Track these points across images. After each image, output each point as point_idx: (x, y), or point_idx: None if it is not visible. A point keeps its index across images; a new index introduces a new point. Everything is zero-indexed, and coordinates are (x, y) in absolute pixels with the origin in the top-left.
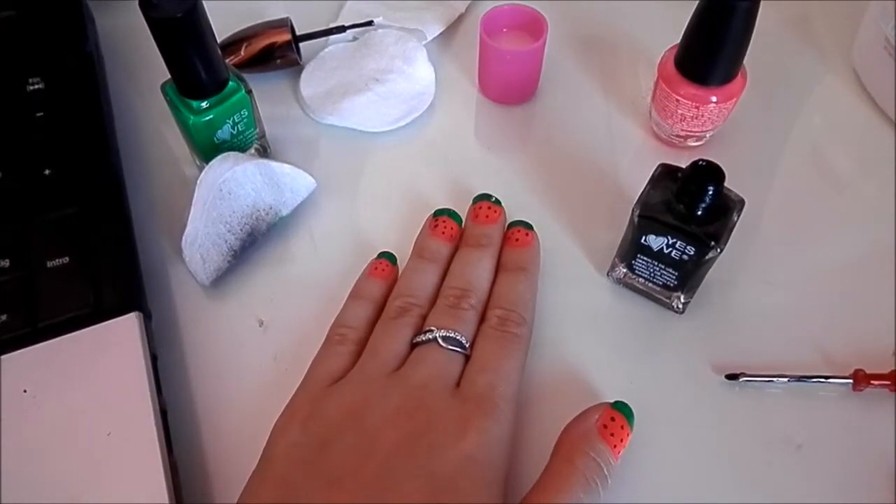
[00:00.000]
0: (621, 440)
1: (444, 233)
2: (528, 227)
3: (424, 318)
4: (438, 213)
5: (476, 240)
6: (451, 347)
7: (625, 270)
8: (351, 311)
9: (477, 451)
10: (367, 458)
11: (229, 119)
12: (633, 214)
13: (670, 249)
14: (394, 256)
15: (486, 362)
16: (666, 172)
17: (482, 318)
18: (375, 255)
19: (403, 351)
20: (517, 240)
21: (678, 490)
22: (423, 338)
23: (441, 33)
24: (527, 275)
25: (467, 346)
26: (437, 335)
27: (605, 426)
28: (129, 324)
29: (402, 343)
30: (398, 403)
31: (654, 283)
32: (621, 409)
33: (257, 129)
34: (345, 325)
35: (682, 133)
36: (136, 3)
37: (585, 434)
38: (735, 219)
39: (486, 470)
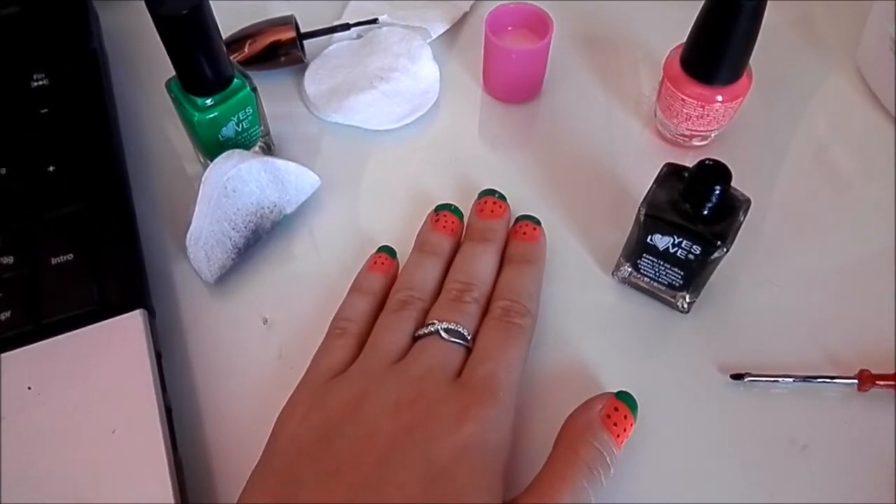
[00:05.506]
0: (624, 430)
1: (445, 227)
2: (537, 222)
3: (426, 311)
4: (440, 208)
5: (481, 234)
6: (453, 340)
7: (630, 270)
8: (350, 305)
9: (475, 439)
10: (366, 449)
11: (234, 116)
12: (638, 214)
13: (676, 249)
14: (393, 250)
15: (488, 352)
16: (672, 172)
17: (485, 312)
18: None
19: (405, 344)
20: (525, 233)
21: (683, 489)
22: (425, 331)
23: (446, 32)
24: (532, 267)
25: (469, 338)
26: (440, 328)
27: (609, 416)
28: (133, 321)
29: (403, 336)
30: (397, 394)
31: (660, 283)
32: (625, 398)
33: (262, 127)
34: (345, 319)
35: (688, 132)
36: (141, 0)
37: (589, 423)
38: (741, 218)
39: (484, 458)
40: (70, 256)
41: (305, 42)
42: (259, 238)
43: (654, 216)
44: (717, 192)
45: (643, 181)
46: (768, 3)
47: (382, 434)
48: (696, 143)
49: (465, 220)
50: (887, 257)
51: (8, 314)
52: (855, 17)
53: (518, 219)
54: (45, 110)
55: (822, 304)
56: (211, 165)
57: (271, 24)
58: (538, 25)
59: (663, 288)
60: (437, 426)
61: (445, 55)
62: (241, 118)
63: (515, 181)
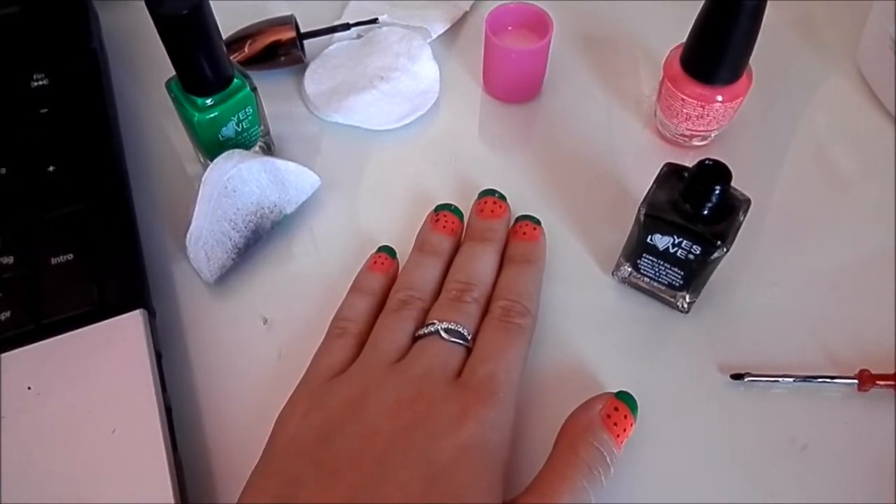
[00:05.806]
0: (624, 430)
1: (445, 227)
2: (537, 222)
3: (426, 311)
4: (440, 208)
5: (481, 234)
6: (453, 339)
7: (630, 270)
8: (350, 305)
9: (475, 439)
10: (366, 448)
11: (234, 116)
12: (639, 213)
13: (676, 249)
14: (393, 250)
15: (488, 352)
16: (672, 172)
17: (485, 312)
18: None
19: (405, 343)
20: (524, 233)
21: (683, 489)
22: (425, 331)
23: (446, 31)
24: (532, 267)
25: (469, 338)
26: (440, 327)
27: (609, 416)
28: (133, 321)
29: (403, 336)
30: (397, 394)
31: (660, 283)
32: (625, 398)
33: (262, 127)
34: (344, 319)
35: (688, 132)
36: (141, 0)
37: (589, 423)
38: (741, 218)
39: (484, 458)
40: (70, 256)
41: (305, 42)
42: (259, 238)
43: (654, 216)
44: (717, 192)
45: (643, 181)
46: (768, 3)
47: (382, 434)
48: (696, 143)
49: (465, 220)
50: (887, 257)
51: (8, 314)
52: (855, 17)
53: (518, 219)
54: (45, 110)
55: (822, 304)
56: (211, 165)
57: (271, 24)
58: (538, 25)
59: (663, 288)
60: (437, 426)
61: (445, 55)
62: (241, 118)
63: (515, 181)
